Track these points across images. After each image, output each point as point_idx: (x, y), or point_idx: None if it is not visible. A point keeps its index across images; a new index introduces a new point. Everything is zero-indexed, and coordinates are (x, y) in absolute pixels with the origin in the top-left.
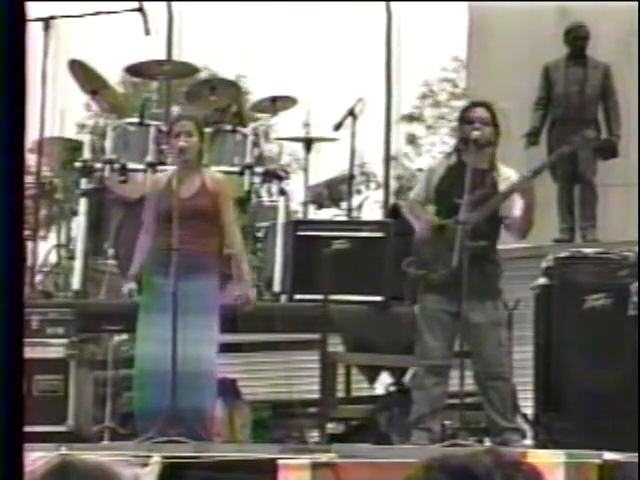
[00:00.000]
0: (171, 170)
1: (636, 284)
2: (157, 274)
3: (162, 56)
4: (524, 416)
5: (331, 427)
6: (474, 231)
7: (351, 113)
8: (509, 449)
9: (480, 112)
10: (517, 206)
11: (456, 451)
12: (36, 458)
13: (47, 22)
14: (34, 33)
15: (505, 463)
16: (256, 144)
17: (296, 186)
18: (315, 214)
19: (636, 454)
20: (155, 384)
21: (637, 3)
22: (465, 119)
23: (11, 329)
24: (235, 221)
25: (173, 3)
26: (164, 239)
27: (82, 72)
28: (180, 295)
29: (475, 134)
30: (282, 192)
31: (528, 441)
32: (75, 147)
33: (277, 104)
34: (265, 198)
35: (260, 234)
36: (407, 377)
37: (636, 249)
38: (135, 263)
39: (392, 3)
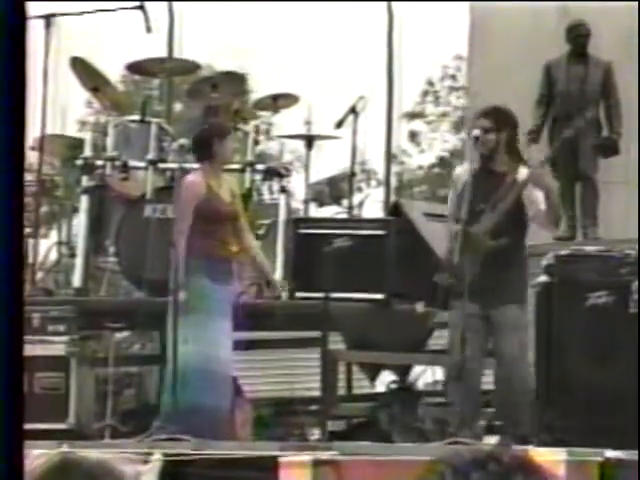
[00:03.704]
0: (200, 172)
1: (637, 282)
2: (206, 277)
3: (163, 53)
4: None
5: (332, 425)
6: (496, 232)
7: (352, 111)
8: (512, 448)
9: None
10: (540, 199)
11: (465, 449)
12: (37, 455)
13: (48, 19)
14: (35, 30)
15: (514, 461)
16: (257, 142)
17: (297, 184)
18: (316, 212)
19: (636, 452)
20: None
21: (637, 3)
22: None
23: (12, 327)
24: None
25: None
26: (216, 243)
27: (83, 69)
28: (223, 299)
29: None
30: (283, 190)
31: (529, 440)
32: (76, 144)
33: (278, 102)
34: (266, 196)
35: (261, 232)
36: (411, 376)
37: (637, 247)
38: (182, 267)
39: (393, 2)
